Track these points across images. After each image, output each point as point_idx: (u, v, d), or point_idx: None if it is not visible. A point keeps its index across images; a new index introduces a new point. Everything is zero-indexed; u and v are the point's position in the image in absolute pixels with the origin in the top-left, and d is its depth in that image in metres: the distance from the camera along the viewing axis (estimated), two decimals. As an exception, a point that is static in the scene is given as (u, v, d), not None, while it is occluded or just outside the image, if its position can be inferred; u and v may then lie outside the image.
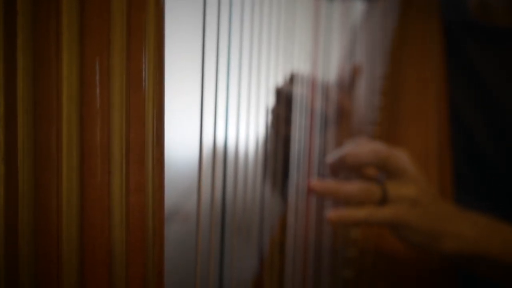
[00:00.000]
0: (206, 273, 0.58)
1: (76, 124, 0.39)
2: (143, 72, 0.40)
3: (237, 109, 0.64)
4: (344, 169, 0.95)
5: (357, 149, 0.94)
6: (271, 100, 0.76)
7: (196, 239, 0.54)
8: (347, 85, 1.14)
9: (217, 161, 0.59)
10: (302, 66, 0.88)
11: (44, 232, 0.41)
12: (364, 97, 1.22)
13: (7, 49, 0.39)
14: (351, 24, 1.17)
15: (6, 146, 0.40)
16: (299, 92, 0.87)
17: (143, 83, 0.40)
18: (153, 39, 0.40)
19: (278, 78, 0.77)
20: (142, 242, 0.42)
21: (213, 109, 0.58)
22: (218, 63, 0.58)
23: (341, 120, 1.07)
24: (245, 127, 0.68)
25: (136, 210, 0.41)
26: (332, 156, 0.94)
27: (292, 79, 0.90)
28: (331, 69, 0.98)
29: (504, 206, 1.14)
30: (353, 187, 0.92)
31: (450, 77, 1.27)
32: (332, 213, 0.89)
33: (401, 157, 0.95)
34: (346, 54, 1.14)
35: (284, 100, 0.90)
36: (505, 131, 1.17)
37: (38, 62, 0.39)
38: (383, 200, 0.93)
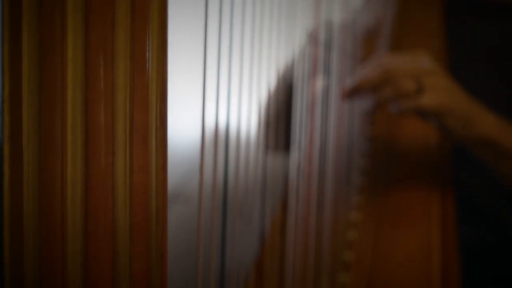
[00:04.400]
0: (207, 255, 0.58)
1: (81, 105, 0.40)
2: (147, 54, 0.40)
3: (239, 91, 0.65)
4: (362, 95, 0.99)
5: (366, 72, 0.99)
6: (272, 81, 0.77)
7: (198, 221, 0.54)
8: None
9: (219, 143, 0.60)
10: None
11: (49, 212, 0.41)
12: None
13: (12, 31, 0.39)
14: (352, 6, 1.17)
15: (11, 127, 0.40)
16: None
17: (147, 65, 0.41)
18: (156, 22, 0.41)
19: (279, 59, 0.78)
20: (146, 222, 0.42)
21: (215, 91, 0.58)
22: (220, 44, 0.58)
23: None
24: (247, 108, 0.68)
25: (139, 190, 0.41)
26: (344, 87, 0.98)
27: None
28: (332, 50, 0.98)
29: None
30: (385, 86, 0.97)
31: (451, 54, 1.28)
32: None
33: (414, 59, 1.00)
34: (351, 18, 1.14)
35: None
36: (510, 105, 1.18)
37: (43, 44, 0.40)
38: (419, 91, 0.97)
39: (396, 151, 1.20)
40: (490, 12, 1.26)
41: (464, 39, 1.28)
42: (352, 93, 1.02)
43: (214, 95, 0.58)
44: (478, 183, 1.20)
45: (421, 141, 1.20)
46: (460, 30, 1.29)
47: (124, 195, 0.41)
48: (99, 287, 0.42)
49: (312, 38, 0.90)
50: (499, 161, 1.05)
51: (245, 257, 0.75)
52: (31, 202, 0.41)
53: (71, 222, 0.41)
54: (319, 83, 0.93)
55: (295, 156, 0.86)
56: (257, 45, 0.69)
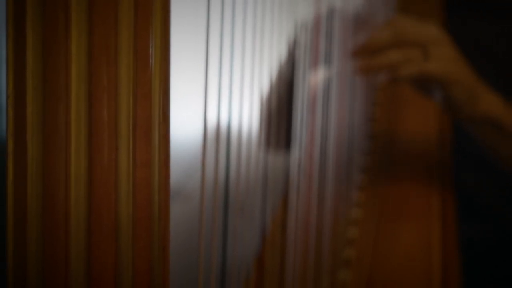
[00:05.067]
0: (208, 252, 0.59)
1: (84, 100, 0.40)
2: (150, 50, 0.41)
3: (241, 88, 0.65)
4: (370, 56, 0.99)
5: (375, 34, 0.99)
6: (274, 76, 0.77)
7: (199, 218, 0.55)
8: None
9: (221, 140, 0.60)
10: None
11: (52, 207, 0.41)
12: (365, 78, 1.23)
13: (16, 28, 0.40)
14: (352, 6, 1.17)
15: (15, 122, 0.41)
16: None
17: (150, 61, 0.41)
18: (159, 18, 0.41)
19: (281, 54, 0.78)
20: (148, 217, 0.42)
21: (217, 88, 0.58)
22: (222, 41, 0.58)
23: None
24: (249, 105, 0.68)
25: (142, 185, 0.42)
26: (355, 45, 0.98)
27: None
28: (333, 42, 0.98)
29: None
30: (393, 48, 0.97)
31: None
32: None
33: (424, 27, 1.00)
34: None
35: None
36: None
37: (47, 41, 0.40)
38: (426, 58, 0.97)
39: (396, 149, 1.20)
40: (490, 12, 1.26)
41: (464, 38, 1.28)
42: (361, 52, 1.01)
43: (216, 92, 0.59)
44: (478, 182, 1.20)
45: (421, 138, 1.20)
46: (460, 29, 1.29)
47: (127, 190, 0.41)
48: (102, 282, 0.42)
49: (314, 26, 0.90)
50: (500, 142, 1.05)
51: (246, 254, 0.75)
52: (34, 197, 0.42)
53: (74, 217, 0.42)
54: (320, 74, 0.93)
55: (296, 153, 0.86)
56: (259, 41, 0.70)
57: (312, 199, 0.91)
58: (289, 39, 0.81)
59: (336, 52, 0.97)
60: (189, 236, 0.63)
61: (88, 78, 0.40)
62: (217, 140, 0.59)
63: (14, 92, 0.40)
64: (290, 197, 0.85)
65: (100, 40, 0.40)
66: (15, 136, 0.41)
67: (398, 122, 1.24)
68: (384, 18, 1.30)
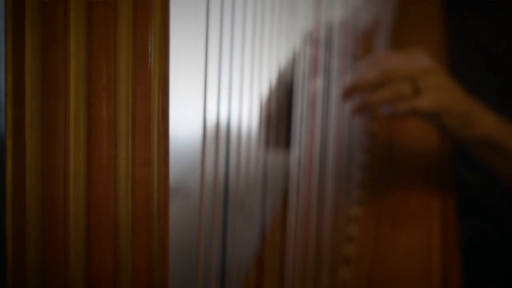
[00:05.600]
0: (208, 249, 0.59)
1: (83, 99, 0.40)
2: (149, 48, 0.41)
3: (240, 86, 0.65)
4: (360, 94, 0.99)
5: (364, 72, 0.98)
6: (274, 77, 0.77)
7: (199, 216, 0.55)
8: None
9: (220, 138, 0.60)
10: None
11: (51, 204, 0.41)
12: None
13: (15, 26, 0.40)
14: (352, 5, 1.17)
15: (14, 120, 0.41)
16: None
17: (149, 59, 0.41)
18: (159, 16, 0.41)
19: (280, 54, 0.78)
20: (148, 215, 0.42)
21: (216, 87, 0.58)
22: (222, 40, 0.58)
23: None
24: (248, 104, 0.68)
25: (141, 183, 0.42)
26: (343, 86, 0.98)
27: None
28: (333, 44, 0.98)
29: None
30: (383, 86, 0.97)
31: (451, 51, 1.28)
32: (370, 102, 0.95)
33: (412, 58, 1.00)
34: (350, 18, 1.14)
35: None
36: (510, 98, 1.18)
37: (46, 39, 0.40)
38: (416, 92, 0.97)
39: (396, 147, 1.20)
40: (490, 11, 1.26)
41: (464, 37, 1.28)
42: (350, 93, 1.02)
43: (215, 90, 0.59)
44: (478, 181, 1.20)
45: (421, 137, 1.20)
46: (460, 29, 1.29)
47: (126, 188, 0.41)
48: (101, 280, 0.42)
49: (312, 38, 0.90)
50: (498, 161, 1.05)
51: (246, 252, 0.75)
52: (33, 195, 0.41)
53: (74, 215, 0.41)
54: (319, 83, 0.93)
55: (296, 152, 0.86)
56: (258, 40, 0.70)
57: (312, 198, 0.91)
58: (290, 38, 0.81)
59: (336, 51, 0.97)
60: (188, 234, 0.63)
61: (87, 76, 0.40)
62: (216, 139, 0.59)
63: (13, 90, 0.40)
64: (290, 195, 0.85)
65: (99, 39, 0.40)
66: (14, 134, 0.41)
67: (398, 121, 1.24)
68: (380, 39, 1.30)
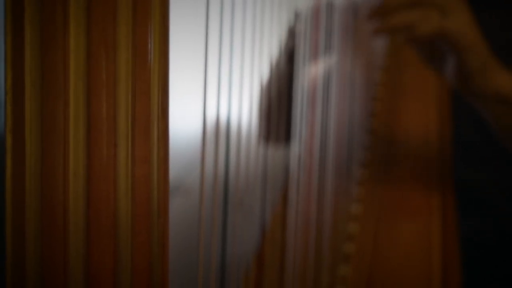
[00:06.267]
0: (208, 246, 0.59)
1: (83, 97, 0.40)
2: (149, 46, 0.41)
3: (240, 82, 0.65)
4: (387, 16, 0.98)
5: None
6: (273, 71, 0.77)
7: (199, 213, 0.55)
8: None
9: (220, 135, 0.60)
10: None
11: (51, 203, 0.41)
12: (365, 74, 1.23)
13: (14, 23, 0.40)
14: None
15: (14, 118, 0.41)
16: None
17: (149, 56, 0.41)
18: (158, 13, 0.41)
19: (280, 50, 0.78)
20: (147, 213, 0.42)
21: (216, 83, 0.58)
22: (222, 36, 0.58)
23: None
24: (248, 101, 0.68)
25: (141, 181, 0.42)
26: (371, 6, 0.97)
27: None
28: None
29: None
30: (411, 7, 0.96)
31: None
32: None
33: None
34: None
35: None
36: None
37: (45, 36, 0.40)
38: (443, 16, 0.96)
39: (396, 145, 1.19)
40: (491, 4, 1.25)
41: None
42: (378, 13, 1.00)
43: (215, 88, 0.59)
44: (479, 180, 1.20)
45: (422, 135, 1.20)
46: None
47: (126, 186, 0.41)
48: (101, 278, 0.42)
49: (313, 18, 0.90)
50: (504, 119, 1.03)
51: (246, 249, 0.75)
52: (33, 193, 0.41)
53: (73, 213, 0.41)
54: (320, 67, 0.92)
55: (296, 148, 0.86)
56: (259, 35, 0.70)
57: (312, 194, 0.91)
58: (288, 30, 0.81)
59: (336, 43, 0.97)
60: (188, 232, 0.63)
61: (87, 74, 0.40)
62: (216, 136, 0.59)
63: (12, 87, 0.40)
64: (290, 192, 0.85)
65: (99, 36, 0.40)
66: (14, 132, 0.41)
67: (398, 118, 1.24)
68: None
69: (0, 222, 0.43)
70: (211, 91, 0.56)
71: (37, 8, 0.39)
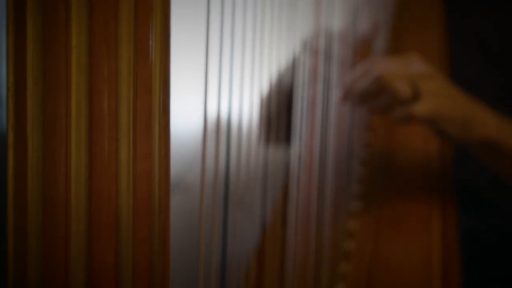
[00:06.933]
0: (208, 244, 0.59)
1: (85, 93, 0.40)
2: (150, 42, 0.41)
3: (241, 80, 0.65)
4: (357, 99, 0.99)
5: (358, 80, 0.98)
6: (274, 70, 0.77)
7: (199, 210, 0.55)
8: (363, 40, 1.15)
9: (221, 132, 0.60)
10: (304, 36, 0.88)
11: (53, 199, 0.42)
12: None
13: (16, 20, 0.40)
14: (350, 10, 1.17)
15: (16, 115, 0.41)
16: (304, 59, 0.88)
17: (150, 52, 0.41)
18: (160, 10, 0.41)
19: (281, 48, 0.78)
20: (149, 209, 0.42)
21: (217, 81, 0.58)
22: (223, 33, 0.58)
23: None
24: (249, 98, 0.68)
25: (142, 177, 0.42)
26: (340, 93, 0.98)
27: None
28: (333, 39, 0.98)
29: None
30: (378, 93, 0.96)
31: (451, 44, 1.28)
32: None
33: (407, 66, 0.99)
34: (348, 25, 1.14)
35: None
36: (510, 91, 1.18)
37: (47, 33, 0.40)
38: (415, 98, 0.96)
39: (396, 143, 1.19)
40: (490, 5, 1.25)
41: (464, 32, 1.28)
42: (347, 99, 1.01)
43: (216, 84, 0.59)
44: (479, 181, 1.20)
45: (422, 137, 1.20)
46: (460, 24, 1.29)
47: (128, 182, 0.42)
48: (102, 275, 0.43)
49: (311, 47, 0.90)
50: (499, 162, 1.04)
51: (246, 246, 0.75)
52: (35, 189, 0.42)
53: (75, 209, 0.42)
54: (319, 91, 0.93)
55: (296, 147, 0.86)
56: (259, 33, 0.70)
57: (312, 193, 0.91)
58: (291, 34, 0.81)
59: (335, 60, 0.97)
60: (189, 228, 0.63)
61: (89, 71, 0.40)
62: (217, 133, 0.59)
63: (14, 84, 0.40)
64: (290, 190, 0.85)
65: (100, 33, 0.40)
66: (16, 128, 0.41)
67: (397, 129, 1.24)
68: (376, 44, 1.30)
69: (2, 218, 0.43)
70: (212, 88, 0.56)
71: (39, 5, 0.39)
